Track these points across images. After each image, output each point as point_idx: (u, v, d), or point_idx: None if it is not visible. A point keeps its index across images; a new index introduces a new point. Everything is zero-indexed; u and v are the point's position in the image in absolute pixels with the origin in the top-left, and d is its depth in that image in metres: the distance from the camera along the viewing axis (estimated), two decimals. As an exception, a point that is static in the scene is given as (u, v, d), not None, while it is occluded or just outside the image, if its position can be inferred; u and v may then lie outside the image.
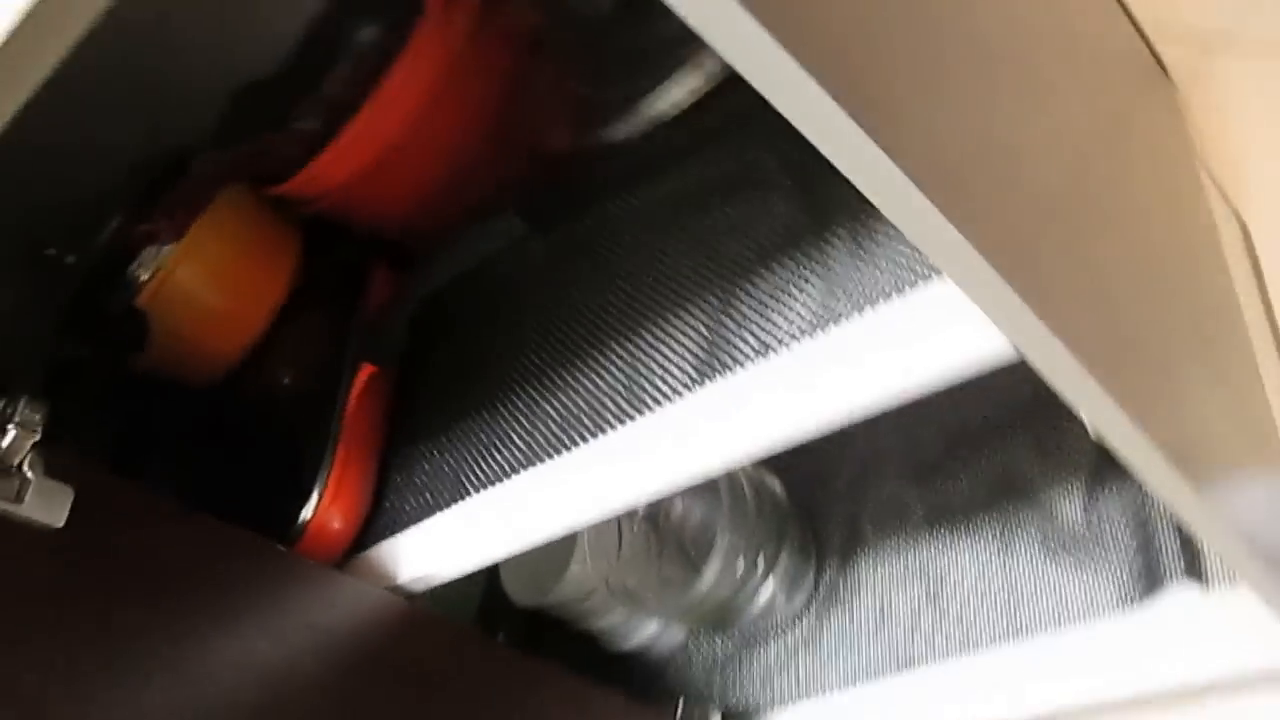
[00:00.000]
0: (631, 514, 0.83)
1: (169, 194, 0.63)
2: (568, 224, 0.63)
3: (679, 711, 0.74)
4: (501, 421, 0.63)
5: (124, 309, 0.64)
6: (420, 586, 0.63)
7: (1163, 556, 0.65)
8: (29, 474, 0.47)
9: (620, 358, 0.58)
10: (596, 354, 0.59)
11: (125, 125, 0.75)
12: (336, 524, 0.65)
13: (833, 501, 0.83)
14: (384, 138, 0.65)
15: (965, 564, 0.73)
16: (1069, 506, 0.71)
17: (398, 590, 0.63)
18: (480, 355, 0.67)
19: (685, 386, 0.53)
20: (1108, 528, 0.68)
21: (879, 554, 0.78)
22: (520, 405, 0.62)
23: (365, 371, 0.66)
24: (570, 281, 0.63)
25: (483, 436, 0.63)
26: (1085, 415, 0.44)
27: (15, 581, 0.46)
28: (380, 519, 0.66)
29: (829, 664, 0.77)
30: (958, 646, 0.71)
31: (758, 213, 0.55)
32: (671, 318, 0.56)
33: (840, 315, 0.48)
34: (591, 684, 0.70)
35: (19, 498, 0.47)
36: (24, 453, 0.47)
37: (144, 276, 0.67)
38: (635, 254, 0.60)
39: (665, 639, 0.86)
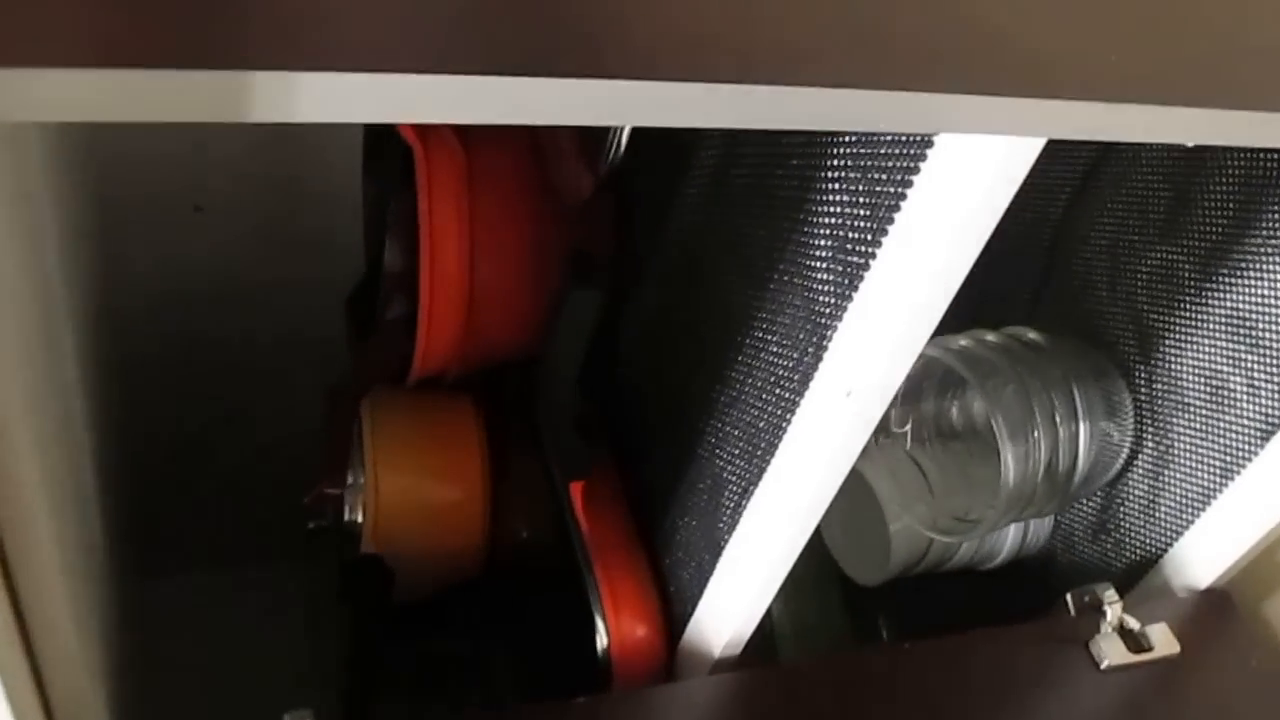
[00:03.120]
0: (919, 442, 0.78)
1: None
2: (647, 247, 0.60)
3: (1070, 607, 0.67)
4: (705, 462, 0.60)
5: (355, 558, 0.67)
6: (736, 649, 0.61)
7: None
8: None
9: (758, 347, 0.54)
10: (738, 356, 0.56)
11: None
12: (640, 631, 0.64)
13: (1093, 306, 0.74)
14: (457, 285, 0.65)
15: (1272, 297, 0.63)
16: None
17: (722, 663, 0.61)
18: (662, 409, 0.65)
19: (815, 353, 0.48)
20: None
21: (1181, 328, 0.68)
22: (713, 437, 0.59)
23: (576, 490, 0.65)
24: (682, 301, 0.60)
25: (700, 485, 0.60)
26: None
27: None
28: (676, 605, 0.65)
29: (1199, 470, 0.68)
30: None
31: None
32: (769, 281, 0.52)
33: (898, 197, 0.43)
34: (979, 630, 0.65)
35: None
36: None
37: (359, 518, 0.69)
38: (708, 239, 0.56)
39: (1034, 534, 0.79)
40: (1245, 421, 0.64)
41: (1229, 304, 0.65)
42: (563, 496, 0.66)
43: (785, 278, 0.51)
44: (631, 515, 0.68)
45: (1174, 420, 0.69)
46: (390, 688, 0.72)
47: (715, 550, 0.60)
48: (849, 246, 0.45)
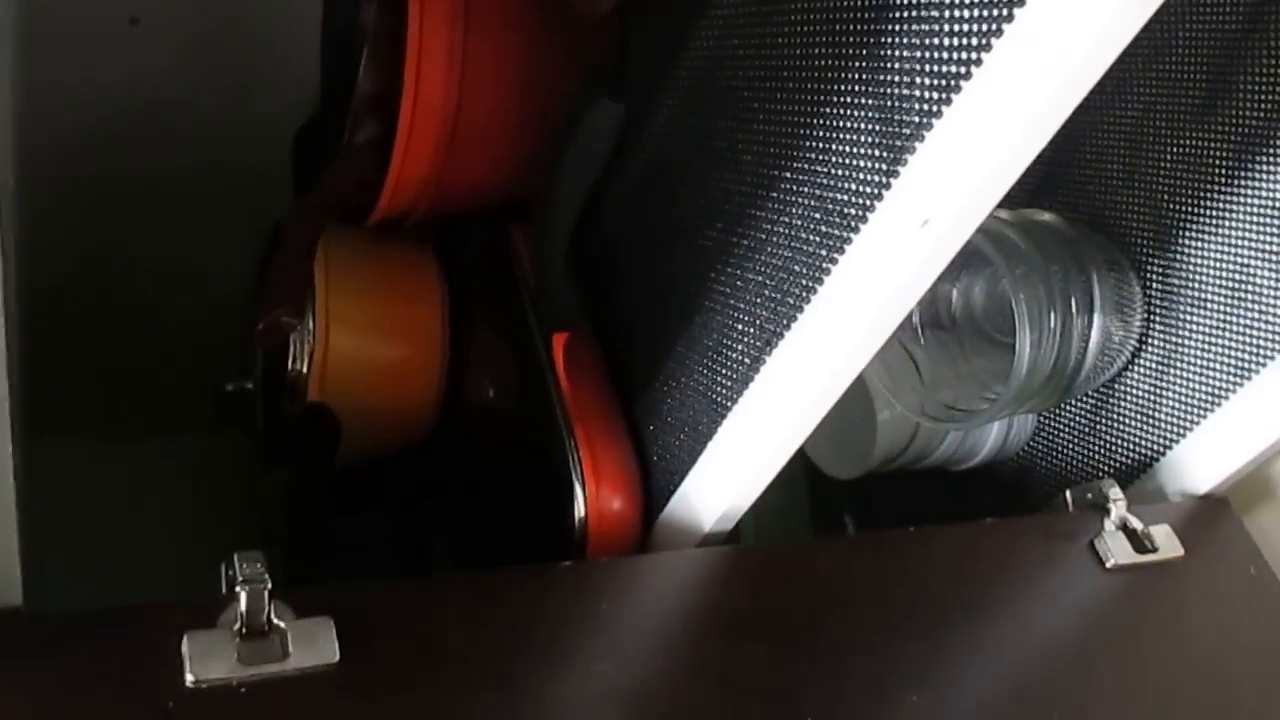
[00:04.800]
0: (911, 330, 0.73)
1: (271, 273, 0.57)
2: (655, 74, 0.53)
3: (1069, 503, 0.63)
4: (715, 314, 0.54)
5: (299, 410, 0.59)
6: (727, 525, 0.56)
7: None
8: (281, 624, 0.42)
9: (803, 179, 0.47)
10: (772, 191, 0.49)
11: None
12: (616, 504, 0.58)
13: (1106, 194, 0.69)
14: (441, 109, 0.57)
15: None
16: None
17: (709, 539, 0.56)
18: (658, 260, 0.58)
19: (882, 181, 0.42)
20: None
21: (1197, 225, 0.65)
22: (727, 286, 0.53)
23: (559, 342, 0.59)
24: (702, 131, 0.53)
25: (706, 341, 0.54)
26: None
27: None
28: (658, 476, 0.59)
29: (1209, 368, 0.64)
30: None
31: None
32: (825, 104, 0.45)
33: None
34: (971, 523, 0.61)
35: (284, 653, 0.42)
36: (266, 606, 0.42)
37: (304, 368, 0.61)
38: (745, 61, 0.49)
39: (1015, 433, 0.75)
40: (1271, 317, 0.61)
41: (1265, 194, 0.61)
42: (541, 352, 0.59)
43: (849, 99, 0.44)
44: (609, 378, 0.62)
45: (1188, 317, 0.65)
46: (325, 559, 0.66)
47: (716, 414, 0.54)
48: (946, 55, 0.39)
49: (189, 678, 0.40)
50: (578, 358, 0.60)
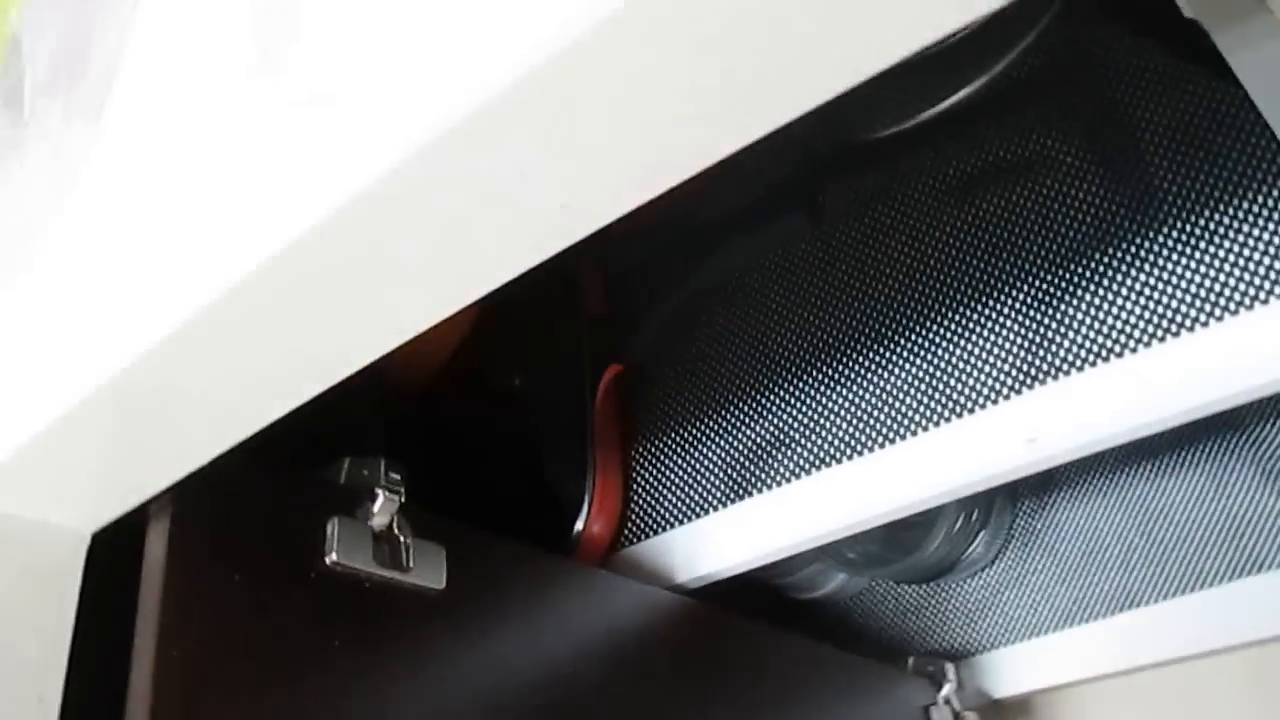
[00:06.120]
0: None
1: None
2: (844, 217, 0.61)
3: (910, 665, 0.75)
4: (770, 415, 0.62)
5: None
6: (698, 584, 0.63)
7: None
8: (404, 539, 0.46)
9: (920, 356, 0.57)
10: (892, 351, 0.58)
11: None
12: (597, 528, 0.64)
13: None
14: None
15: (1177, 498, 0.75)
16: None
17: (679, 588, 0.63)
18: (745, 350, 0.65)
19: (1003, 391, 0.52)
20: (1331, 457, 0.70)
21: (1077, 491, 0.79)
22: (792, 401, 0.61)
23: (612, 371, 0.65)
24: (852, 274, 0.61)
25: (757, 435, 0.62)
26: None
27: (414, 649, 0.45)
28: (634, 518, 0.66)
29: (1038, 605, 0.78)
30: (1180, 583, 0.73)
31: (1057, 198, 0.54)
32: (975, 315, 0.55)
33: (1186, 324, 0.48)
34: (828, 647, 0.71)
35: (405, 565, 0.45)
36: (394, 517, 0.46)
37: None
38: (921, 245, 0.58)
39: (850, 584, 0.87)
40: (1106, 586, 0.76)
41: (1135, 492, 0.77)
42: (586, 372, 0.65)
43: (997, 318, 0.54)
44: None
45: (1037, 559, 0.80)
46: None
47: (732, 495, 0.61)
48: (1111, 329, 0.50)
49: (331, 557, 0.43)
50: (615, 391, 0.66)
